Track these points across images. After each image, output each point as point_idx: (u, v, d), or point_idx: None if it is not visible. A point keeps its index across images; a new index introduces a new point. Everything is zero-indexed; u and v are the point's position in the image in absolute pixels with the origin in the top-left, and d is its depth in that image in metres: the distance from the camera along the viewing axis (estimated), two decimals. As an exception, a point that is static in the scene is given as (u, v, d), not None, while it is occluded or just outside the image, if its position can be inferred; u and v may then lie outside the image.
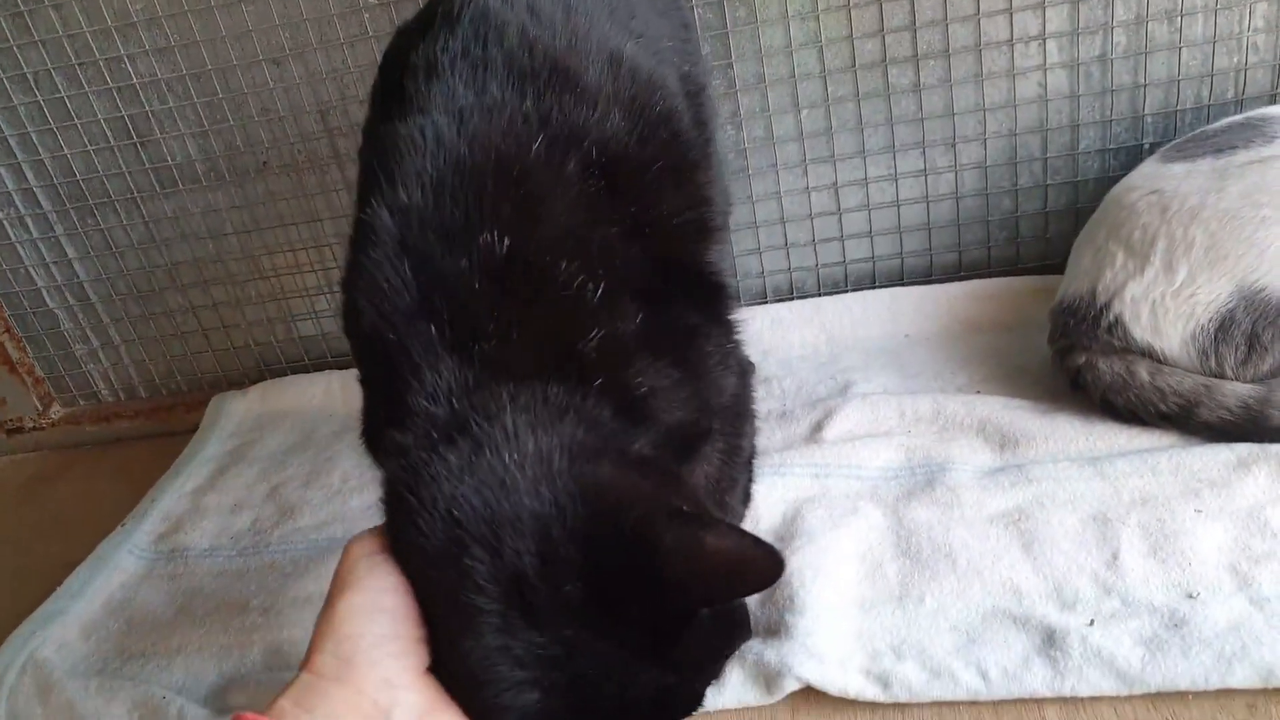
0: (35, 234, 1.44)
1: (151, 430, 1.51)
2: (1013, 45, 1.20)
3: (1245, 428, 0.89)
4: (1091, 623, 0.75)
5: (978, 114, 1.24)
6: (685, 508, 0.56)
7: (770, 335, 1.28)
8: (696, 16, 1.19)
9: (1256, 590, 0.75)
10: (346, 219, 1.37)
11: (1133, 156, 1.21)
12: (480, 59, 0.70)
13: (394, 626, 0.55)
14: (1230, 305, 0.91)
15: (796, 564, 0.84)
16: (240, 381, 1.49)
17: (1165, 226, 0.95)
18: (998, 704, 0.73)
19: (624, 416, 0.62)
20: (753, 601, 0.82)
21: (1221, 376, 0.92)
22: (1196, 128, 1.09)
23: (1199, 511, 0.83)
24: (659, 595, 0.52)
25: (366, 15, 1.25)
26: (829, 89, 1.24)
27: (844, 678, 0.75)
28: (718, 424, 0.75)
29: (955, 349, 1.19)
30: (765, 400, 1.14)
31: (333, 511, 1.13)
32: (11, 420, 1.55)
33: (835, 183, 1.30)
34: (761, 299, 1.38)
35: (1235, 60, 1.18)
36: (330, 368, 1.46)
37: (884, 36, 1.21)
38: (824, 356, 1.25)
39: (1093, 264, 1.01)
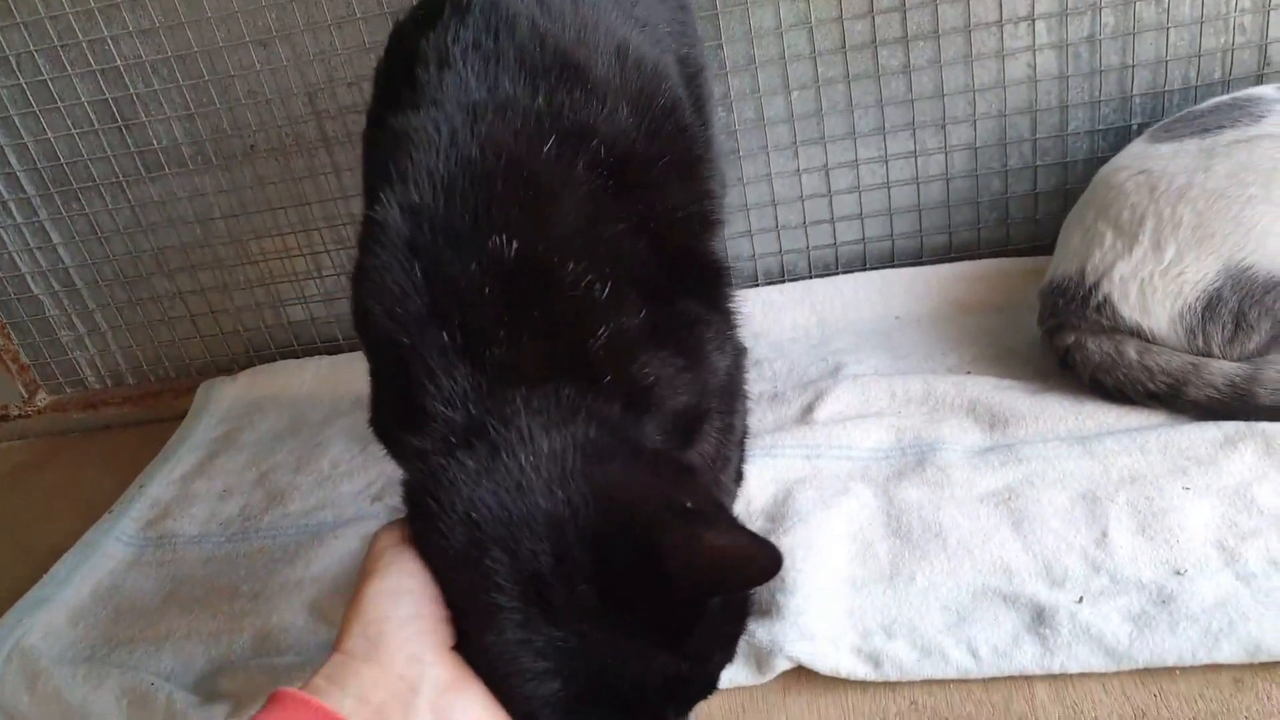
0: (19, 219, 1.42)
1: (139, 417, 1.50)
2: (1002, 26, 1.19)
3: (1232, 406, 0.90)
4: (1080, 600, 0.76)
5: (967, 95, 1.24)
6: (690, 504, 0.58)
7: (762, 318, 1.28)
8: (687, -2, 1.18)
9: (1243, 566, 0.76)
10: (335, 203, 1.37)
11: (1121, 137, 1.21)
12: (492, 51, 0.71)
13: (418, 607, 0.57)
14: (1217, 284, 0.91)
15: (788, 544, 0.84)
16: (229, 367, 1.49)
17: (1153, 206, 0.95)
18: (988, 682, 0.74)
19: (632, 408, 0.64)
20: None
21: (1209, 355, 0.93)
22: (1184, 108, 1.09)
23: (1187, 489, 0.84)
24: (666, 591, 0.54)
25: (353, -3, 1.24)
26: (819, 70, 1.24)
27: (835, 656, 0.76)
28: (713, 404, 0.76)
29: (946, 330, 1.20)
30: (757, 382, 1.13)
31: (322, 497, 1.12)
32: (-3, 408, 1.54)
33: (826, 165, 1.30)
34: (753, 282, 1.38)
35: (1222, 41, 1.18)
36: (319, 353, 1.45)
37: (874, 17, 1.20)
38: (815, 338, 1.25)
39: (1081, 244, 1.01)
